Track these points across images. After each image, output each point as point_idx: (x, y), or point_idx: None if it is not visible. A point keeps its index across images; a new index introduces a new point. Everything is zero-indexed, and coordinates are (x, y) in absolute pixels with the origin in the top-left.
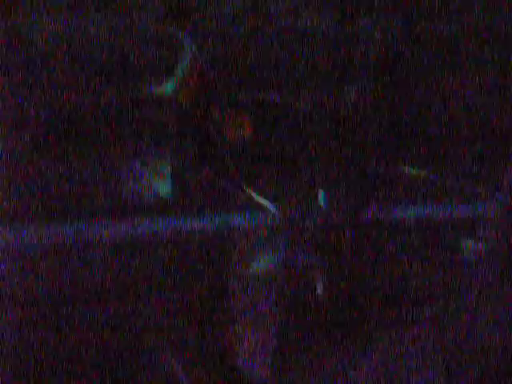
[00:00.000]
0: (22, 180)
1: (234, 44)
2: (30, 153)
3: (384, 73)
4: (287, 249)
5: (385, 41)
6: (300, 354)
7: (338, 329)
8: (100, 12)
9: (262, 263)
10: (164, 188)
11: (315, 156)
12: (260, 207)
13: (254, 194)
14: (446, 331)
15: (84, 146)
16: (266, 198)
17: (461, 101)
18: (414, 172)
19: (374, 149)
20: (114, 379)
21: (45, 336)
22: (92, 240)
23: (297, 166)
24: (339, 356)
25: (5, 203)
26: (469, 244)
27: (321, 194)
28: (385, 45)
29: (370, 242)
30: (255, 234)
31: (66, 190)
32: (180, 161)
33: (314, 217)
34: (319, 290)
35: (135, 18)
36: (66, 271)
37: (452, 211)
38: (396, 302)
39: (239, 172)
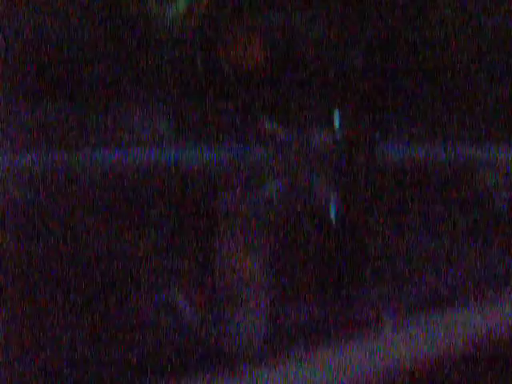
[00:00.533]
0: (21, 113)
1: None
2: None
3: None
4: (299, 173)
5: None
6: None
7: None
8: None
9: (270, 189)
10: (162, 121)
11: (329, 79)
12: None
13: (266, 122)
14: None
15: (82, 81)
16: (278, 124)
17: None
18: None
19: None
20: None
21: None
22: (88, 169)
23: (310, 88)
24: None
25: (5, 132)
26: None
27: (336, 114)
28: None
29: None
30: (258, 166)
31: (63, 121)
32: (179, 94)
33: (328, 139)
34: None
35: None
36: (59, 199)
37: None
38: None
39: (250, 99)
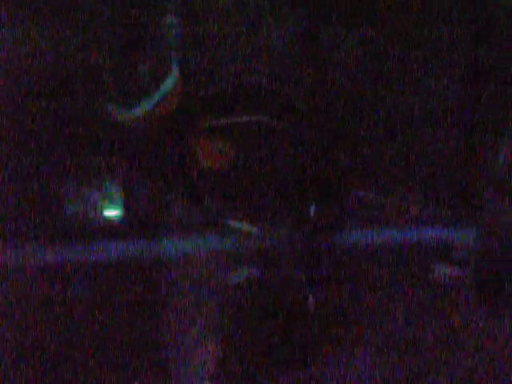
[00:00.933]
0: None
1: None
2: None
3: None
4: (263, 266)
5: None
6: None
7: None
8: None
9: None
10: (114, 212)
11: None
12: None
13: (230, 220)
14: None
15: (31, 165)
16: (242, 222)
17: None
18: (388, 197)
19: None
20: None
21: None
22: (38, 264)
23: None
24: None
25: None
26: (442, 268)
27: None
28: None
29: (341, 265)
30: (206, 258)
31: (11, 212)
32: (130, 184)
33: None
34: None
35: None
36: (6, 296)
37: (426, 235)
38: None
39: (215, 198)
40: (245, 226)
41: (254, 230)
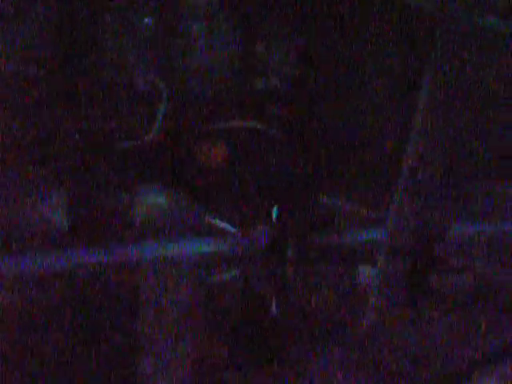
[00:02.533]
0: None
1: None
2: None
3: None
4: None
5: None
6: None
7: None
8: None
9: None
10: (60, 220)
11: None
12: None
13: (215, 219)
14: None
15: None
16: (225, 221)
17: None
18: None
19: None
20: None
21: None
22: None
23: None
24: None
25: None
26: (364, 269)
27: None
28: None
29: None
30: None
31: None
32: (78, 192)
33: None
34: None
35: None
36: None
37: (351, 237)
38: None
39: (209, 195)
40: (226, 226)
41: (233, 230)
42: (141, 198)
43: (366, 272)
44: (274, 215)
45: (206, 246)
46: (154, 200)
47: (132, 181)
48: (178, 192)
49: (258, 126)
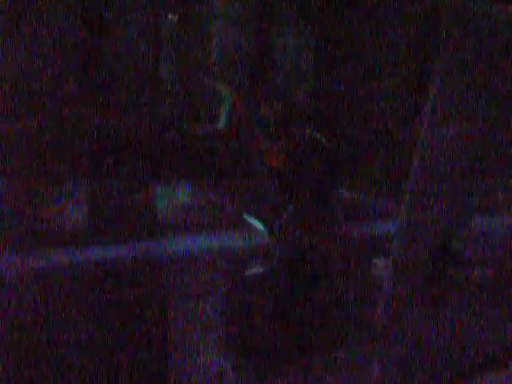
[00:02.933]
0: None
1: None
2: None
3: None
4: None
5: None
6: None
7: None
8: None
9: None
10: (81, 217)
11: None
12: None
13: (247, 215)
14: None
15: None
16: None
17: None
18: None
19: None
20: None
21: None
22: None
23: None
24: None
25: None
26: (379, 261)
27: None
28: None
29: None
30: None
31: None
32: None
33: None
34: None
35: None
36: None
37: (367, 228)
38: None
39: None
40: (257, 223)
41: (262, 227)
42: (169, 192)
43: (381, 264)
44: (289, 213)
45: (236, 241)
46: (180, 195)
47: (166, 174)
48: (212, 187)
49: (316, 135)
